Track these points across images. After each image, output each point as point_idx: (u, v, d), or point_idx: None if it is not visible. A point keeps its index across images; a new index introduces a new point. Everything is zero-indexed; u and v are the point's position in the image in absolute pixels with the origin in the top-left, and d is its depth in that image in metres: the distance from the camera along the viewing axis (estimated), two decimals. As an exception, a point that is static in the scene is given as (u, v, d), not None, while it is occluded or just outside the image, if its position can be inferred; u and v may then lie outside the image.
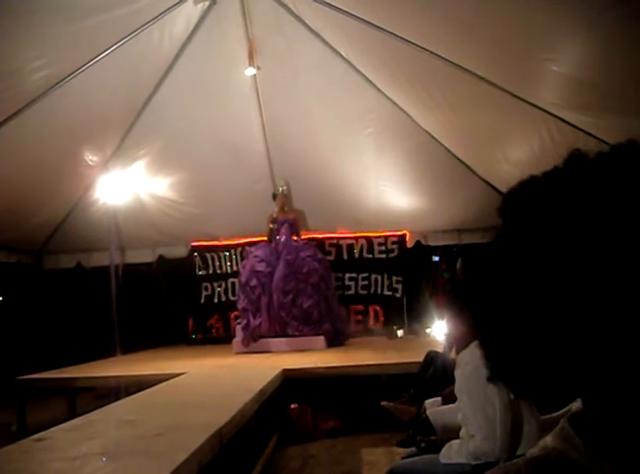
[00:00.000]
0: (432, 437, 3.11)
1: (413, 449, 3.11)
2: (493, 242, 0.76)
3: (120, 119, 8.20)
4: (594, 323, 0.63)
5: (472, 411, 2.68)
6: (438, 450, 2.79)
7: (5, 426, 6.27)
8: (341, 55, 7.55)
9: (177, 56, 7.72)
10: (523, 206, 0.72)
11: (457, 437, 2.83)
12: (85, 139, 8.00)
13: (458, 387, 2.87)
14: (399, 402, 4.87)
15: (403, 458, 3.06)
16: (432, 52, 6.45)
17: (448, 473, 2.69)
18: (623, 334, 0.62)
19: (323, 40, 7.44)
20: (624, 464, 0.66)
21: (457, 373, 2.90)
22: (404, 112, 8.00)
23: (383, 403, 4.88)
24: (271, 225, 8.82)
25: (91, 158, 8.30)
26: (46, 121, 7.07)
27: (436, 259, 9.94)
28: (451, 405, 3.31)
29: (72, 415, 5.49)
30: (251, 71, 7.57)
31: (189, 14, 7.18)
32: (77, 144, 7.96)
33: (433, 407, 3.69)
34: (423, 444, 3.06)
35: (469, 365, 2.75)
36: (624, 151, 0.67)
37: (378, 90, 7.83)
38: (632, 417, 0.65)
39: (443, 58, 6.44)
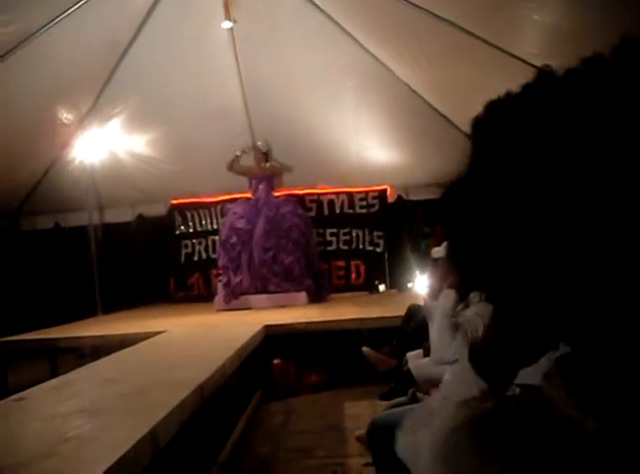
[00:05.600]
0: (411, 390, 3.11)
1: (399, 400, 3.11)
2: (465, 172, 0.72)
3: (93, 76, 8.00)
4: (573, 254, 0.60)
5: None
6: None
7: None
8: (317, 6, 7.39)
9: (150, 10, 7.49)
10: (492, 130, 0.69)
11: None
12: (59, 97, 7.80)
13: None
14: (380, 351, 4.90)
15: (385, 410, 3.06)
16: (409, 2, 6.33)
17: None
18: (606, 264, 0.59)
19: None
20: (608, 415, 0.64)
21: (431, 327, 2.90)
22: (383, 64, 7.87)
23: (365, 348, 4.91)
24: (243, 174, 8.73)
25: (66, 116, 8.13)
26: (17, 80, 6.89)
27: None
28: (433, 357, 3.31)
29: (54, 375, 5.47)
30: (227, 24, 7.41)
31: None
32: (51, 103, 7.75)
33: (414, 360, 3.70)
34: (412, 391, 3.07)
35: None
36: (592, 66, 0.65)
37: (356, 42, 7.67)
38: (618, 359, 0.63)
39: (421, 8, 6.33)
